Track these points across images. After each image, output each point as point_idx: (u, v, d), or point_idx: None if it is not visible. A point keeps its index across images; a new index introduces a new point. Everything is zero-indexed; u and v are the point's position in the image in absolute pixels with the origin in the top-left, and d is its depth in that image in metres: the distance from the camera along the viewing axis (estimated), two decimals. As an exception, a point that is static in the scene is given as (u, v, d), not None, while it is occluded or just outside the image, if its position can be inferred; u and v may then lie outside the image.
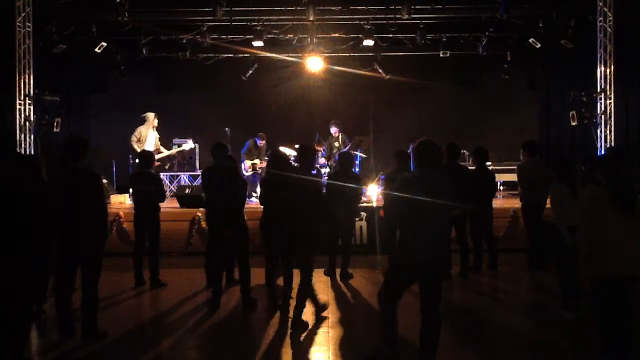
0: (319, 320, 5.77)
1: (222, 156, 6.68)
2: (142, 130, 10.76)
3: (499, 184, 13.03)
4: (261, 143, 11.67)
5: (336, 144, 11.42)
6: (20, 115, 10.62)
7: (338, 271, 7.55)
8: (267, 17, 11.49)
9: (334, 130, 11.51)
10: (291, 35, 12.34)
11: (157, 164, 10.49)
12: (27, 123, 10.71)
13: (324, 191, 7.44)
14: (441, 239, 4.44)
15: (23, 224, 4.49)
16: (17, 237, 4.44)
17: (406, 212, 4.30)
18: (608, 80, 10.77)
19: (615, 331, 4.22)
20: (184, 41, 12.48)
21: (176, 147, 12.38)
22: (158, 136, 11.09)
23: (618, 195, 4.11)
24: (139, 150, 9.51)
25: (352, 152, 10.22)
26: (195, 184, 12.51)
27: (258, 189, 9.66)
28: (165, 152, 11.58)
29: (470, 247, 7.83)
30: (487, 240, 8.03)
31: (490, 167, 12.44)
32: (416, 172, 4.45)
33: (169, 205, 9.63)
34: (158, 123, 11.03)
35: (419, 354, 4.39)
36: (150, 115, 10.86)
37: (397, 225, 4.44)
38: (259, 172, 11.19)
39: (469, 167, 9.20)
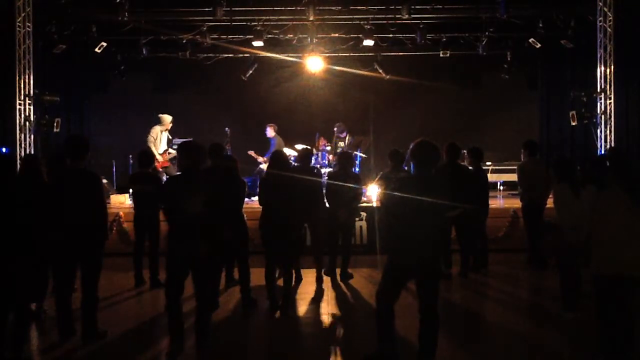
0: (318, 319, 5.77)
1: (221, 156, 6.68)
2: (158, 130, 11.17)
3: (499, 183, 13.05)
4: (269, 134, 11.73)
5: (341, 144, 11.42)
6: (20, 115, 10.62)
7: (338, 271, 7.54)
8: (267, 17, 11.49)
9: (343, 134, 11.49)
10: (291, 35, 12.34)
11: (166, 164, 10.84)
12: (27, 123, 10.70)
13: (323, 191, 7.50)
14: (437, 239, 4.43)
15: (23, 224, 4.49)
16: (17, 238, 4.45)
17: (402, 212, 4.30)
18: (608, 80, 10.76)
19: (615, 331, 4.22)
20: (184, 41, 12.47)
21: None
22: (169, 137, 11.39)
23: (632, 193, 4.05)
24: (155, 150, 9.83)
25: (352, 152, 10.20)
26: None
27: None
28: (174, 153, 11.63)
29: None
30: (480, 240, 8.00)
31: (490, 167, 12.57)
32: (413, 172, 4.46)
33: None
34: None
35: (419, 354, 4.38)
36: (167, 118, 11.34)
37: (393, 225, 4.44)
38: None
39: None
